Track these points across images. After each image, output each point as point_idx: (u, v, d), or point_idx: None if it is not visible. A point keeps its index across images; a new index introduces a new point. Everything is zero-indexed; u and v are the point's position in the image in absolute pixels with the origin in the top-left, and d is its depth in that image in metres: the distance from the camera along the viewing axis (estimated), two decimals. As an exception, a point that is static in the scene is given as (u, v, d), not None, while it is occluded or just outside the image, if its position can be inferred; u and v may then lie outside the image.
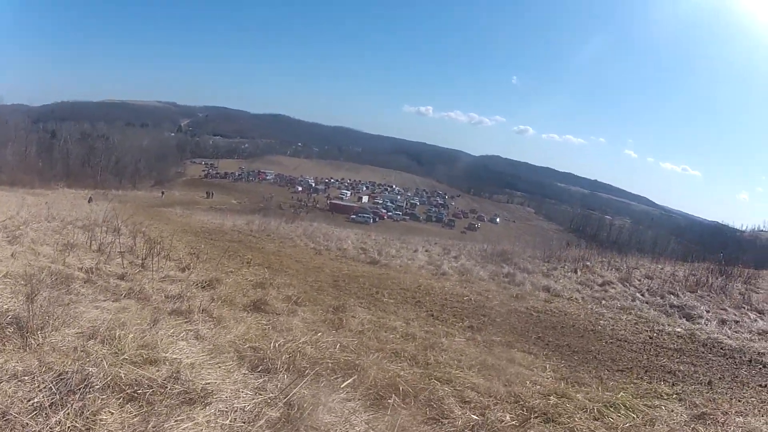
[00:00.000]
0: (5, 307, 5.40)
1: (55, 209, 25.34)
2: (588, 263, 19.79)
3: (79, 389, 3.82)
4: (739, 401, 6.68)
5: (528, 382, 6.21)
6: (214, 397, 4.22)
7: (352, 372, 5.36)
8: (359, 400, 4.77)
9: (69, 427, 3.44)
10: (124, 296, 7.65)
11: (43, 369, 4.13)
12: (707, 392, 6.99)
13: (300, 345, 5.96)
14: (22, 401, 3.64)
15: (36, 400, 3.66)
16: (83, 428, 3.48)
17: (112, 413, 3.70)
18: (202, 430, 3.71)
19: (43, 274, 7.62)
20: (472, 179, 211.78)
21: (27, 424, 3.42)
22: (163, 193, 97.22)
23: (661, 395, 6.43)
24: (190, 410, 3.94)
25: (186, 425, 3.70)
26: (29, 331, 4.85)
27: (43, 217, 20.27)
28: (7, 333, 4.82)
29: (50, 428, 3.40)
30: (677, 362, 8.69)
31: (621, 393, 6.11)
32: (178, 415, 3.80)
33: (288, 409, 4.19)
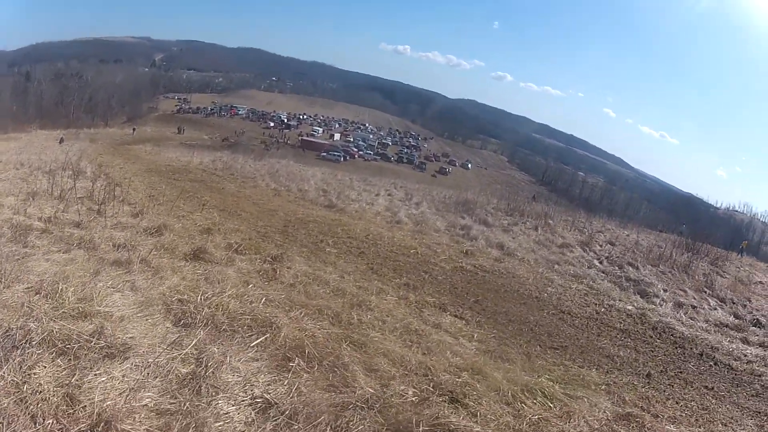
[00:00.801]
0: None
1: (26, 154, 25.42)
2: (551, 221, 19.67)
3: (22, 345, 4.11)
4: (677, 403, 6.34)
5: (448, 353, 6.04)
6: (132, 351, 4.42)
7: (266, 330, 5.32)
8: (266, 360, 4.79)
9: (10, 381, 3.68)
10: (75, 246, 7.83)
11: None
12: (642, 387, 6.69)
13: (225, 299, 5.96)
14: None
15: None
16: (21, 382, 3.70)
17: (45, 367, 3.94)
18: (116, 384, 3.90)
19: (5, 228, 8.04)
20: (446, 122, 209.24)
21: None
22: (134, 129, 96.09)
23: (589, 384, 6.12)
24: (110, 364, 4.16)
25: (102, 379, 3.92)
26: None
27: (11, 164, 20.09)
28: None
29: None
30: (619, 345, 8.44)
31: (544, 376, 5.85)
32: (98, 369, 4.03)
33: (197, 367, 4.34)
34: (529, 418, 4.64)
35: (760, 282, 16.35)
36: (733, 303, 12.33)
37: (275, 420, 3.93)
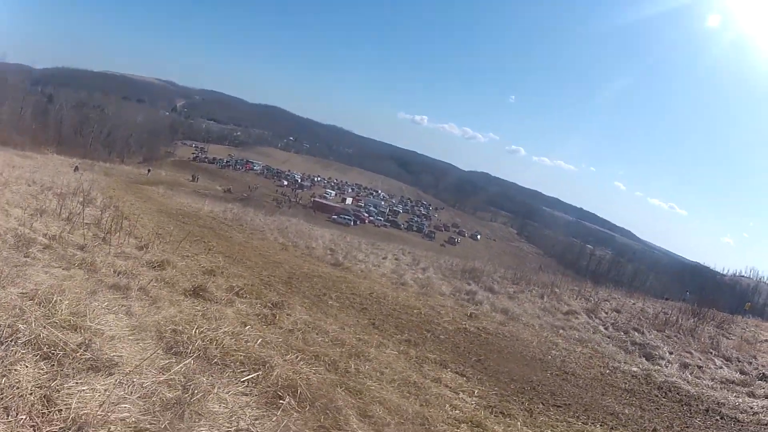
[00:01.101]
0: None
1: (39, 174, 25.64)
2: (557, 290, 19.63)
3: (6, 342, 4.15)
4: None
5: (447, 406, 5.91)
6: (118, 369, 4.34)
7: (259, 368, 5.19)
8: (255, 395, 4.67)
9: None
10: (76, 266, 7.82)
11: None
12: None
13: (220, 335, 5.84)
14: None
15: None
16: (0, 375, 3.70)
17: (27, 366, 3.93)
18: (96, 395, 3.81)
19: (8, 235, 8.24)
20: (458, 193, 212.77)
21: None
22: (149, 170, 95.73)
23: (593, 440, 5.95)
24: (93, 377, 4.11)
25: (83, 388, 3.86)
26: None
27: (24, 180, 20.40)
28: None
29: None
30: (624, 404, 8.33)
31: (547, 431, 5.71)
32: (80, 379, 4.00)
33: (183, 392, 4.21)
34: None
35: (766, 340, 16.28)
36: (739, 361, 12.27)
37: (259, 456, 3.76)
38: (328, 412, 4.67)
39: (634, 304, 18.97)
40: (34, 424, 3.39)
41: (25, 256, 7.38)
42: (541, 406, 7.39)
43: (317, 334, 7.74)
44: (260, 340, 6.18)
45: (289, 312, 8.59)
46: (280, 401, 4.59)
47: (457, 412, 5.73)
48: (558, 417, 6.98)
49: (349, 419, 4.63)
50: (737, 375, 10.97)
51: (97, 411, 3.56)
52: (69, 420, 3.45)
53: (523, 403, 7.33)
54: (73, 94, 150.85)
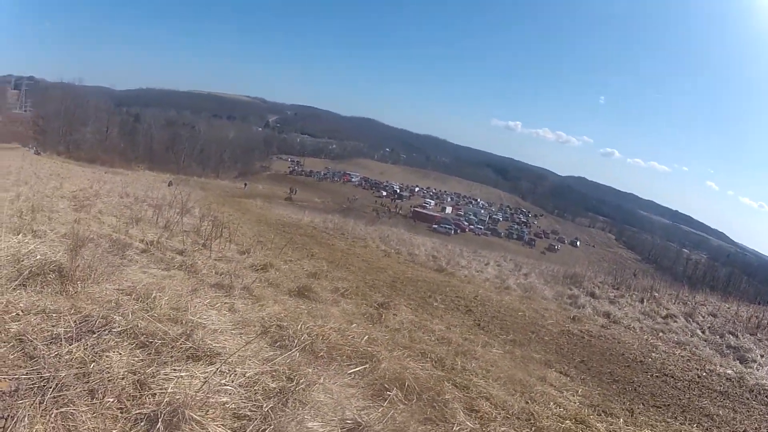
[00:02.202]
0: (53, 258, 5.66)
1: (132, 188, 26.13)
2: (656, 294, 19.28)
3: (99, 330, 4.21)
4: None
5: (552, 403, 5.89)
6: (220, 359, 4.34)
7: (366, 362, 5.23)
8: (362, 387, 4.67)
9: (77, 357, 3.77)
10: (176, 268, 7.95)
11: (72, 311, 4.51)
12: None
13: (326, 331, 5.90)
14: (42, 331, 4.06)
15: (56, 332, 4.08)
16: (89, 360, 3.76)
17: (121, 354, 3.96)
18: (195, 383, 3.81)
19: (102, 240, 8.12)
20: (556, 199, 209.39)
21: (39, 348, 3.79)
22: (246, 184, 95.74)
23: (689, 440, 5.89)
24: (193, 365, 4.13)
25: (181, 375, 3.89)
26: (69, 280, 5.23)
27: (116, 193, 21.02)
28: (49, 278, 5.22)
29: (59, 355, 3.74)
30: (718, 406, 8.25)
31: (647, 430, 5.71)
32: (178, 366, 4.02)
33: (287, 383, 4.20)
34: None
35: None
36: None
37: (364, 441, 3.78)
38: (435, 405, 4.71)
39: (728, 308, 18.40)
40: (122, 406, 3.43)
41: (121, 258, 7.39)
42: (641, 406, 7.39)
43: (423, 333, 7.87)
44: (366, 337, 6.18)
45: (395, 312, 8.69)
46: (387, 393, 4.61)
47: (561, 409, 5.73)
48: (657, 417, 6.94)
49: (455, 413, 4.66)
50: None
51: (196, 395, 3.60)
52: (163, 403, 3.48)
53: (624, 403, 7.34)
54: (160, 113, 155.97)
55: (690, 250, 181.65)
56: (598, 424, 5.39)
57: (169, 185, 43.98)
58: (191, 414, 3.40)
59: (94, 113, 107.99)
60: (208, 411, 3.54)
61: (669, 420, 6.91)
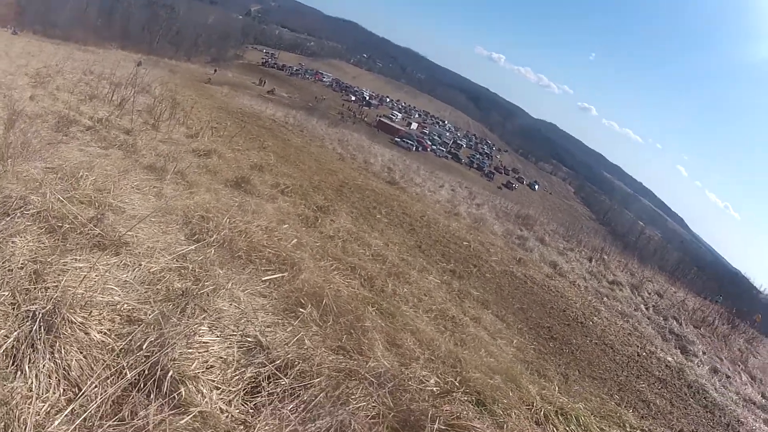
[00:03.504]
0: None
1: (98, 66, 25.15)
2: (605, 257, 19.68)
3: (14, 212, 4.00)
4: None
5: (483, 351, 5.51)
6: (127, 250, 4.09)
7: (286, 269, 4.79)
8: (275, 299, 4.24)
9: None
10: (115, 147, 7.76)
11: None
12: None
13: (252, 228, 5.52)
14: None
15: None
16: None
17: (27, 240, 3.77)
18: (93, 276, 3.51)
19: (49, 116, 8.13)
20: (523, 139, 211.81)
21: None
22: (215, 70, 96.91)
23: (624, 424, 5.50)
24: (96, 255, 3.83)
25: (79, 265, 3.59)
26: (0, 158, 5.06)
27: (80, 70, 20.51)
28: None
29: None
30: (656, 393, 8.17)
31: (581, 403, 5.22)
32: (79, 255, 3.73)
33: (193, 284, 3.92)
34: (563, 446, 3.99)
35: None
36: (762, 383, 12.26)
37: (260, 367, 3.32)
38: (352, 331, 4.20)
39: (675, 292, 18.87)
40: (15, 301, 3.12)
41: (63, 135, 7.24)
42: (577, 373, 7.31)
43: (358, 246, 7.51)
44: (295, 240, 5.81)
45: (333, 218, 8.36)
46: (301, 310, 4.14)
47: (492, 360, 5.33)
48: (593, 390, 6.79)
49: (374, 345, 4.14)
50: (759, 398, 11.00)
51: (86, 294, 3.24)
52: (50, 299, 3.09)
53: (560, 365, 7.21)
54: None
55: (645, 224, 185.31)
56: (529, 386, 4.86)
57: (138, 65, 43.22)
58: (71, 315, 3.06)
59: None
60: (92, 312, 3.21)
61: (604, 396, 6.76)
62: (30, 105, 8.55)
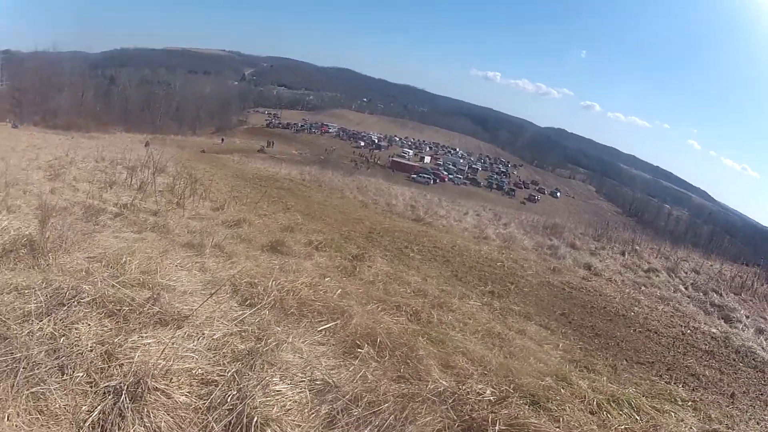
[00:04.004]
0: (25, 232, 5.74)
1: (108, 152, 25.82)
2: (637, 247, 19.52)
3: (69, 302, 4.14)
4: (758, 424, 6.17)
5: (531, 358, 5.77)
6: (188, 322, 4.32)
7: (337, 317, 5.08)
8: (332, 345, 4.57)
9: (47, 332, 3.72)
10: (148, 230, 7.98)
11: (44, 285, 4.44)
12: (727, 405, 6.52)
13: (297, 286, 5.76)
14: (15, 309, 4.03)
15: (28, 308, 4.04)
16: (59, 334, 3.73)
17: (90, 325, 3.94)
18: (162, 349, 3.76)
19: (75, 208, 8.30)
20: (535, 150, 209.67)
21: (12, 327, 3.75)
22: (222, 139, 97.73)
23: (676, 400, 5.75)
24: (160, 330, 4.10)
25: (148, 341, 3.86)
26: (41, 253, 5.29)
27: (92, 158, 20.83)
28: (21, 254, 5.31)
29: (31, 332, 3.70)
30: (704, 366, 8.19)
31: (631, 388, 5.48)
32: (145, 333, 3.99)
33: (256, 344, 4.18)
34: (616, 428, 4.22)
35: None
36: None
37: (333, 403, 3.65)
38: (408, 361, 4.54)
39: (711, 265, 18.61)
40: (91, 380, 3.39)
41: (94, 225, 7.38)
42: (624, 362, 7.35)
43: (399, 285, 7.74)
44: (339, 290, 6.08)
45: (370, 264, 8.58)
46: (359, 350, 4.48)
47: (541, 365, 5.57)
48: (642, 375, 6.86)
49: (430, 369, 4.47)
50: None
51: (161, 364, 3.53)
52: (130, 374, 3.41)
53: (607, 358, 7.29)
54: (135, 73, 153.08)
55: (671, 205, 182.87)
56: (580, 381, 5.12)
57: (145, 146, 43.49)
58: (155, 384, 3.35)
59: (69, 79, 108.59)
60: (172, 379, 3.49)
61: (654, 378, 6.82)
62: (53, 198, 8.80)
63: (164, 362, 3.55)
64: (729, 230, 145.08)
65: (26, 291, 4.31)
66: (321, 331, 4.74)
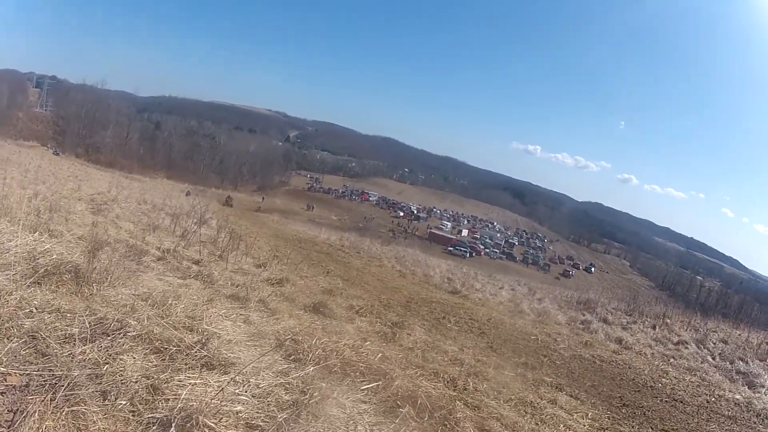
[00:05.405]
0: (69, 258, 5.68)
1: (150, 195, 26.36)
2: (668, 321, 19.29)
3: (114, 333, 4.22)
4: None
5: (561, 426, 6.04)
6: (235, 368, 4.34)
7: (379, 378, 5.25)
8: (374, 404, 4.68)
9: (90, 357, 3.77)
10: (192, 277, 8.04)
11: (87, 312, 4.49)
12: None
13: (340, 347, 5.96)
14: (55, 330, 4.04)
15: (70, 331, 4.07)
16: (102, 361, 3.77)
17: (135, 358, 3.97)
18: (208, 391, 3.81)
19: (119, 245, 8.09)
20: (572, 225, 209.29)
21: (52, 346, 3.79)
22: (263, 198, 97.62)
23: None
24: (207, 373, 4.12)
25: (196, 382, 3.89)
26: (85, 281, 5.28)
27: (134, 199, 21.21)
28: (64, 279, 5.23)
29: (73, 355, 3.75)
30: (725, 429, 8.32)
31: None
32: (193, 374, 4.02)
33: (300, 396, 4.20)
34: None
35: None
36: None
37: (375, 457, 3.76)
38: (446, 423, 4.80)
39: (739, 334, 18.34)
40: (135, 409, 3.45)
41: (137, 264, 7.40)
42: (650, 430, 7.50)
43: (436, 353, 7.96)
44: (380, 354, 6.22)
45: (409, 332, 8.84)
46: (399, 410, 4.63)
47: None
48: None
49: (466, 431, 4.71)
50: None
51: (210, 402, 3.61)
52: (176, 408, 3.49)
53: (633, 426, 7.42)
54: (181, 122, 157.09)
55: (704, 277, 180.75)
56: (605, 451, 5.35)
57: (186, 195, 44.40)
58: (205, 420, 3.44)
59: (116, 117, 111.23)
60: (221, 419, 3.55)
61: None
62: (95, 232, 8.65)
63: (214, 402, 3.63)
64: (759, 298, 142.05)
65: (68, 315, 4.37)
66: (364, 390, 4.84)
